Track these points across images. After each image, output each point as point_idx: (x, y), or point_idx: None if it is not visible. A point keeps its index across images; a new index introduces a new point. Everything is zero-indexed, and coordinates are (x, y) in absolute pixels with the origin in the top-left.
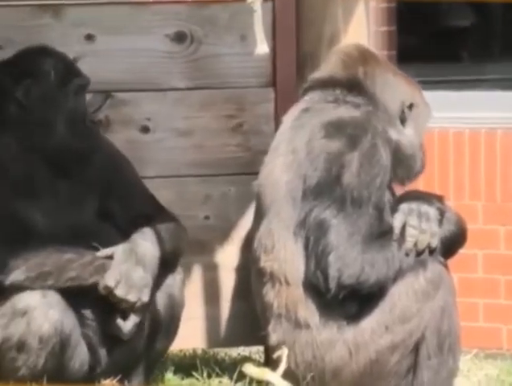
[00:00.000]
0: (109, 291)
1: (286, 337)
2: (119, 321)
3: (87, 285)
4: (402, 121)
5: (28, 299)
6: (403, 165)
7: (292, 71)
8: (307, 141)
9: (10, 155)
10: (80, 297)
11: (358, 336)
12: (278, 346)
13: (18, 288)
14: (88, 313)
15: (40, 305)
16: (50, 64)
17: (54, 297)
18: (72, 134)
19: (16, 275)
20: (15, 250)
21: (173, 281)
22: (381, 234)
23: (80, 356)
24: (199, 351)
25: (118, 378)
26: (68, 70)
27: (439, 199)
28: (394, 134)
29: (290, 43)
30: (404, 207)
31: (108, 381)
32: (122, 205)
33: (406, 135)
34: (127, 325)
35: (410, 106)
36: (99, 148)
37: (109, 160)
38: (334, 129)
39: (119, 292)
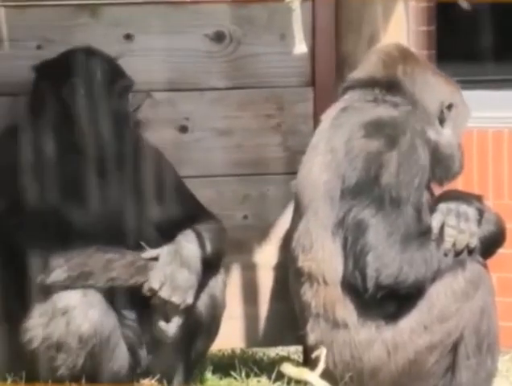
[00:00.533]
0: (154, 293)
1: (325, 337)
2: (162, 324)
3: (128, 285)
4: (441, 121)
5: (68, 298)
6: (442, 165)
7: (331, 71)
8: (346, 141)
9: (54, 155)
10: (121, 297)
11: (397, 336)
12: (316, 346)
13: (59, 287)
14: (129, 313)
15: (80, 304)
16: (96, 65)
17: (95, 297)
18: (114, 136)
19: (57, 274)
20: (57, 249)
21: (215, 282)
22: (419, 234)
23: (119, 357)
24: (237, 351)
25: (157, 377)
26: (113, 71)
27: (478, 198)
28: (432, 134)
29: (329, 43)
30: (443, 207)
31: (147, 381)
32: (165, 206)
33: (444, 135)
34: (171, 327)
35: (450, 106)
36: (141, 149)
37: (151, 162)
38: (373, 128)
39: (164, 294)
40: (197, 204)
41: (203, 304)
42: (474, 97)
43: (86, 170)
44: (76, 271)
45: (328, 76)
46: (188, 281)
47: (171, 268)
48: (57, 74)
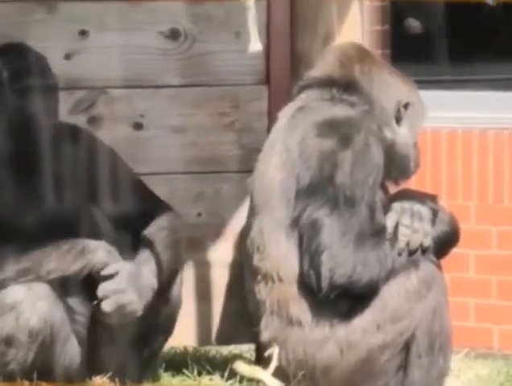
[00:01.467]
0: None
1: (278, 334)
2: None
3: (69, 274)
4: (398, 120)
5: (15, 293)
6: (397, 164)
7: (286, 69)
8: (300, 140)
9: None
10: (67, 291)
11: (350, 335)
12: (269, 344)
13: (0, 288)
14: (77, 307)
15: (27, 297)
16: (2, 63)
17: (41, 289)
18: (15, 137)
19: None
20: None
21: (173, 281)
22: (373, 233)
23: (70, 351)
24: (190, 349)
25: (109, 375)
26: (20, 69)
27: (432, 198)
28: (388, 134)
29: (284, 41)
30: (397, 206)
31: (98, 378)
32: (115, 200)
33: (401, 134)
34: (106, 305)
35: (406, 105)
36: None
37: (94, 157)
38: (327, 127)
39: (105, 306)
40: (149, 193)
41: (160, 302)
42: (429, 97)
43: (6, 170)
44: (11, 270)
45: (283, 74)
46: (133, 306)
47: (122, 288)
48: None
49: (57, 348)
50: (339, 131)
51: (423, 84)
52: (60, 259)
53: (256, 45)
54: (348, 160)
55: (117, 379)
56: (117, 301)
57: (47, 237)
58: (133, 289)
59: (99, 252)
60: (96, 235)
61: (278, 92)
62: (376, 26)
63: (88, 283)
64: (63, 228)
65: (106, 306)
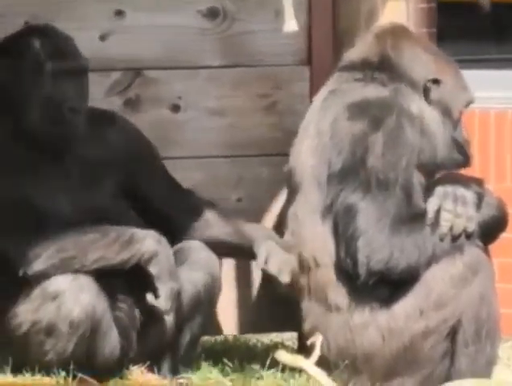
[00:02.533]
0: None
1: (319, 321)
2: (149, 296)
3: (115, 263)
4: (426, 96)
5: (58, 282)
6: (425, 145)
7: (328, 49)
8: (332, 123)
9: (4, 142)
10: (110, 278)
11: (392, 321)
12: (311, 332)
13: (42, 277)
14: (120, 295)
15: (71, 288)
16: (27, 45)
17: (85, 280)
18: (46, 120)
19: (37, 264)
20: (32, 239)
21: (213, 261)
22: (411, 217)
23: (110, 342)
24: (230, 338)
25: (147, 365)
26: (47, 52)
27: (478, 182)
28: (415, 110)
29: (326, 20)
30: (439, 190)
31: (136, 367)
32: (150, 191)
33: (428, 111)
34: (161, 302)
35: (435, 82)
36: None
37: (128, 144)
38: (358, 110)
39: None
40: (178, 185)
41: (202, 282)
42: (476, 76)
43: (36, 155)
44: (56, 258)
45: (325, 55)
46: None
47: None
48: (2, 52)
49: (97, 340)
50: (370, 113)
51: (470, 63)
52: (107, 248)
53: (293, 24)
54: (380, 142)
55: (155, 369)
56: (172, 294)
57: (82, 224)
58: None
59: (147, 241)
60: (127, 223)
61: (320, 72)
62: (422, 4)
63: (134, 269)
64: (95, 216)
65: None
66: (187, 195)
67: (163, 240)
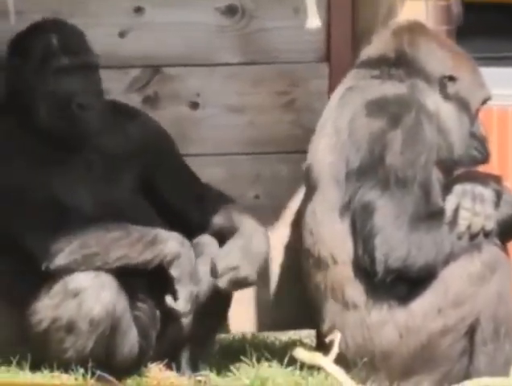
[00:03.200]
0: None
1: (336, 319)
2: (169, 299)
3: (137, 263)
4: (442, 92)
5: (80, 280)
6: (442, 141)
7: (347, 46)
8: (350, 121)
9: (23, 139)
10: (131, 277)
11: (409, 319)
12: (329, 330)
13: (64, 272)
14: (140, 294)
15: (92, 286)
16: (35, 41)
17: (107, 278)
18: (56, 117)
19: (60, 259)
20: (55, 233)
21: None
22: (429, 215)
23: (130, 340)
24: (248, 335)
25: (165, 362)
26: (55, 47)
27: (497, 180)
28: (432, 106)
29: (345, 17)
30: (458, 188)
31: (154, 365)
32: (169, 185)
33: (444, 107)
34: (179, 304)
35: (451, 78)
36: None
37: (149, 138)
38: (376, 107)
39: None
40: (201, 183)
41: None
42: (495, 74)
43: (60, 152)
44: (79, 253)
45: (343, 52)
46: (249, 279)
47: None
48: (12, 49)
49: (117, 338)
50: (388, 110)
51: (490, 60)
52: (130, 247)
53: (314, 21)
54: (398, 139)
55: (173, 366)
56: (233, 277)
57: (104, 219)
58: (246, 262)
59: (170, 243)
60: (145, 220)
61: (339, 70)
62: (441, 1)
63: (155, 269)
64: (115, 210)
65: (223, 284)
66: (207, 190)
67: (186, 242)
